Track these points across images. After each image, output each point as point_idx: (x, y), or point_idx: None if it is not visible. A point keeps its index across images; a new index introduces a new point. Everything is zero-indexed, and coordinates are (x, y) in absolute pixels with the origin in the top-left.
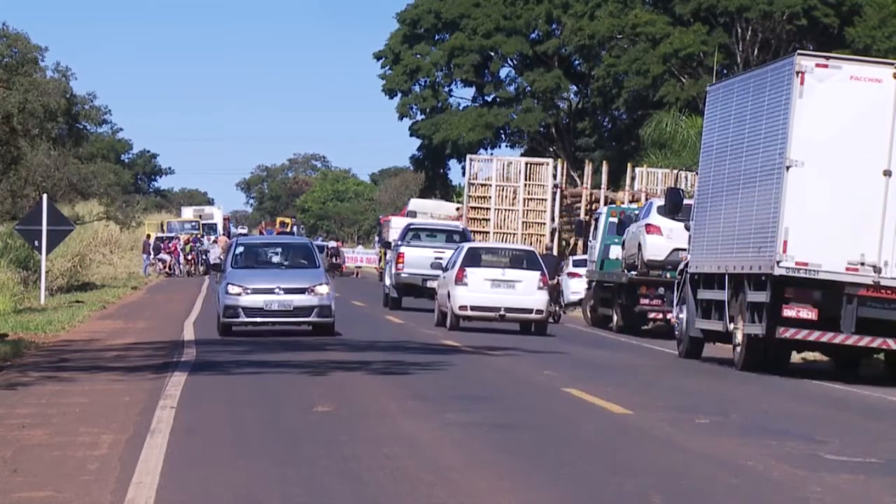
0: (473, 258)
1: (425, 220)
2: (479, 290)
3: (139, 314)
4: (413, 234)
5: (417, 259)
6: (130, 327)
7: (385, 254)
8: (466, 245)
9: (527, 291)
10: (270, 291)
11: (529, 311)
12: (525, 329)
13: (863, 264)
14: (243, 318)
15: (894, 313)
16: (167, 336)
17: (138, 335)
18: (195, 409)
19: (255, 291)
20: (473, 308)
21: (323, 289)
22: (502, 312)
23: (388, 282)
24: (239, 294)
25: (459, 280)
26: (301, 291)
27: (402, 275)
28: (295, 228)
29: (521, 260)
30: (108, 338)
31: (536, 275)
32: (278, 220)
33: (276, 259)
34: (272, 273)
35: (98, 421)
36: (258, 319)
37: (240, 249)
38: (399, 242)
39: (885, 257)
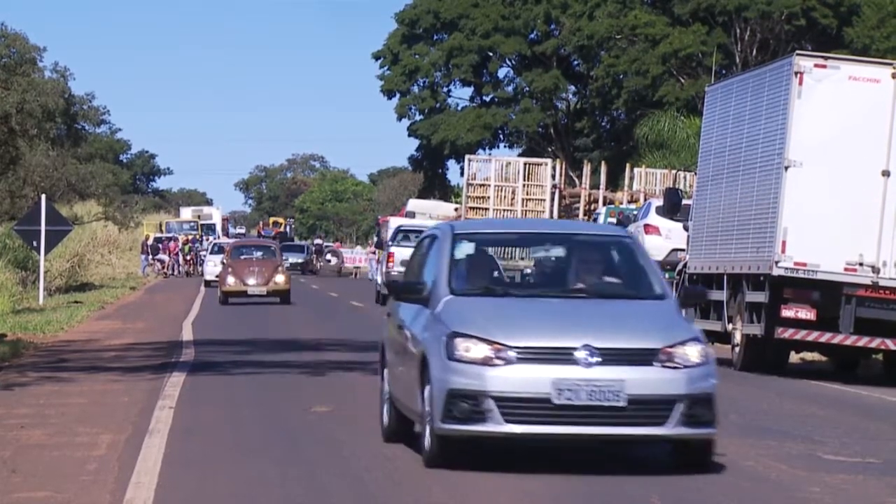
0: None
1: (416, 222)
2: None
3: (138, 314)
4: (403, 235)
5: (407, 259)
6: (129, 327)
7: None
8: None
9: None
10: (566, 357)
11: None
12: None
13: (861, 264)
14: (497, 426)
15: (893, 313)
16: (166, 336)
17: (137, 335)
18: (194, 410)
19: (529, 356)
20: None
21: (693, 350)
22: None
23: (379, 280)
24: (487, 362)
25: None
26: (642, 358)
27: (393, 273)
28: (288, 229)
29: None
30: (107, 338)
31: None
32: (271, 219)
33: (550, 273)
34: (557, 309)
35: (97, 421)
36: (535, 430)
37: (465, 250)
38: (389, 243)
39: (884, 257)
